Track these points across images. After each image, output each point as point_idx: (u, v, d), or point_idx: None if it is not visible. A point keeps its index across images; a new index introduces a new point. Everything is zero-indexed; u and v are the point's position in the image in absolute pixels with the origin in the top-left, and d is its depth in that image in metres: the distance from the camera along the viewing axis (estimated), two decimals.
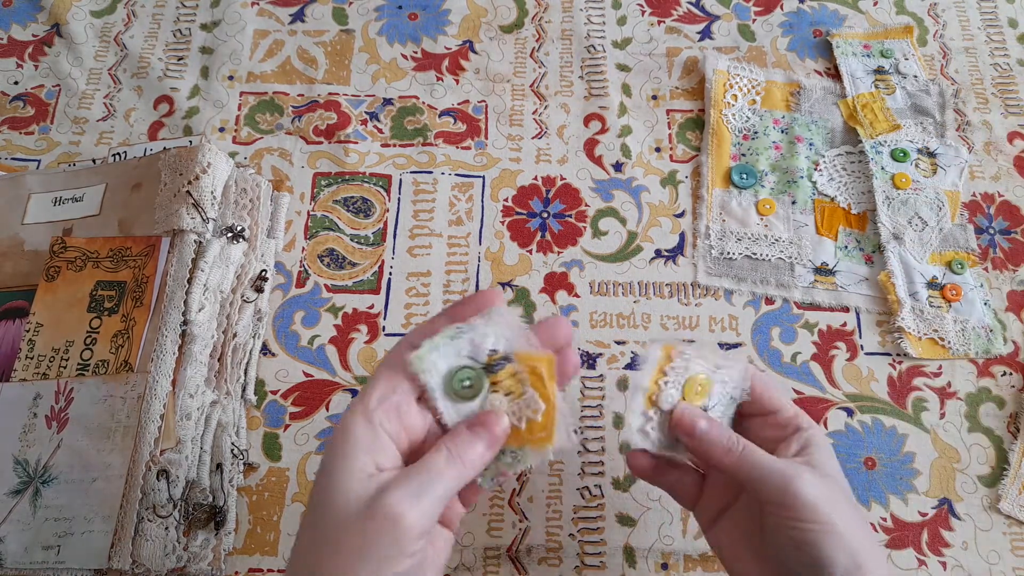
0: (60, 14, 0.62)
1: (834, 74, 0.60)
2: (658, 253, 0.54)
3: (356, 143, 0.57)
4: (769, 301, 0.52)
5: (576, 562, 0.45)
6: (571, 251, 0.54)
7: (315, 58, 0.61)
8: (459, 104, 0.59)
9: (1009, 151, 0.57)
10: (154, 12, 0.63)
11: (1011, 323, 0.51)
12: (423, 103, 0.59)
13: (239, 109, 0.58)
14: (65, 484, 0.43)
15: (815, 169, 0.56)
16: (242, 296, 0.49)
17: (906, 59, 0.60)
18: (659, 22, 0.62)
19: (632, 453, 0.36)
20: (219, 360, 0.47)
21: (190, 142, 0.56)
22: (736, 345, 0.50)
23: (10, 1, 0.63)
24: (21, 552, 0.42)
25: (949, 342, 0.50)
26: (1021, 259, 0.53)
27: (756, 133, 0.57)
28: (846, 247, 0.53)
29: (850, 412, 0.49)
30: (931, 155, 0.56)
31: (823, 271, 0.52)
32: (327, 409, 0.49)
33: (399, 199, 0.55)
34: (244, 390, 0.48)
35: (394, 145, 0.57)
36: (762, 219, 0.54)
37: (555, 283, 0.52)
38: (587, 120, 0.58)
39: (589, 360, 0.50)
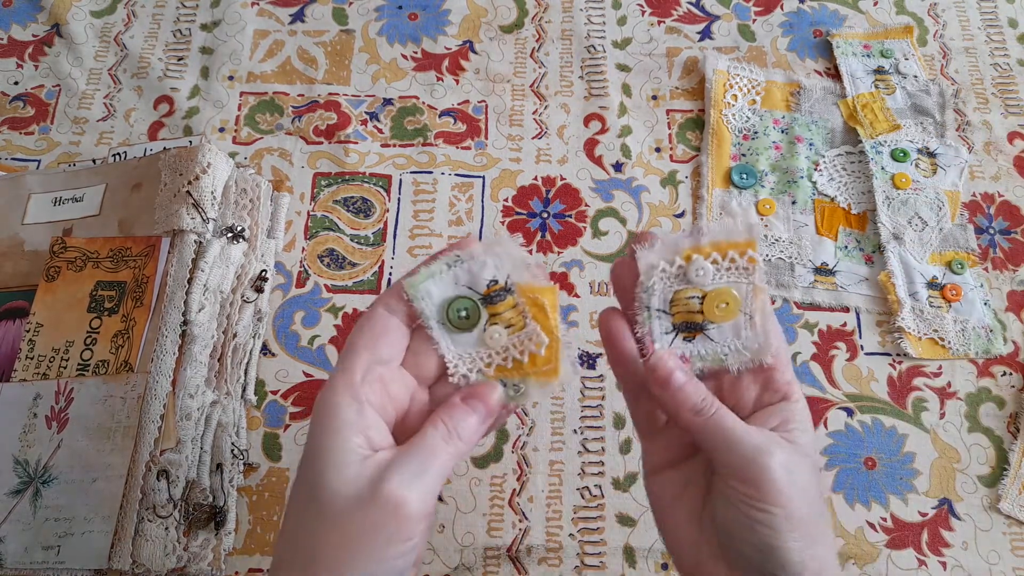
0: (60, 14, 0.62)
1: (834, 74, 0.60)
2: None
3: (356, 143, 0.57)
4: (770, 301, 0.52)
5: (576, 562, 0.45)
6: (571, 251, 0.54)
7: (315, 58, 0.61)
8: (459, 104, 0.59)
9: (1009, 151, 0.57)
10: (154, 12, 0.63)
11: (1011, 323, 0.51)
12: (423, 103, 0.59)
13: (239, 109, 0.58)
14: (65, 484, 0.43)
15: (815, 169, 0.56)
16: (242, 296, 0.49)
17: (906, 59, 0.60)
18: (659, 22, 0.62)
19: (614, 322, 0.32)
20: (219, 360, 0.47)
21: (190, 142, 0.56)
22: None
23: (10, 1, 0.63)
24: (21, 552, 0.42)
25: (949, 342, 0.50)
26: (1021, 259, 0.53)
27: (756, 133, 0.57)
28: (846, 247, 0.53)
29: (850, 412, 0.49)
30: (931, 155, 0.56)
31: (823, 271, 0.52)
32: None
33: (399, 199, 0.55)
34: (244, 390, 0.48)
35: (394, 145, 0.57)
36: (762, 219, 0.54)
37: (556, 284, 0.52)
38: (587, 120, 0.58)
39: (589, 360, 0.50)
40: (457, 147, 0.57)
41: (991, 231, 0.54)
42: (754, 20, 0.62)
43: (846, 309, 0.52)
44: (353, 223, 0.54)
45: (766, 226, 0.54)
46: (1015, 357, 0.50)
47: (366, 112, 0.58)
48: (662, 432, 0.33)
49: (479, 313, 0.30)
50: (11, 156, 0.57)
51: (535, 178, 0.56)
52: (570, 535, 0.45)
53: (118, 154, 0.56)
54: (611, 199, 0.55)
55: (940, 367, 0.50)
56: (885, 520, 0.46)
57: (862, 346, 0.51)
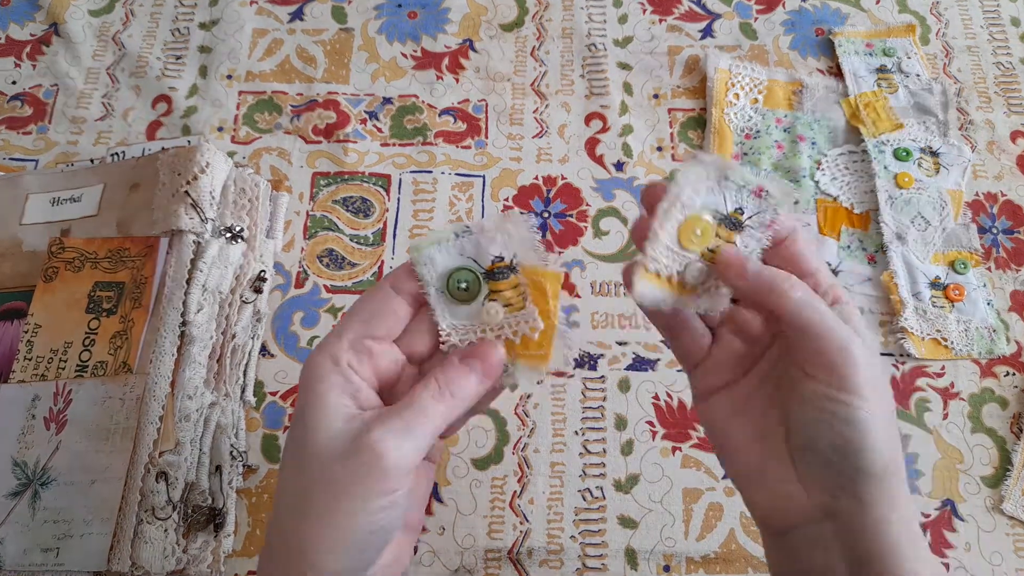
0: (58, 13, 0.62)
1: (836, 73, 0.59)
2: None
3: (355, 142, 0.57)
4: None
5: (577, 564, 0.45)
6: (572, 251, 0.53)
7: (314, 57, 0.60)
8: (459, 103, 0.59)
9: (1012, 150, 0.57)
10: (152, 11, 0.62)
11: (1014, 323, 0.51)
12: (423, 102, 0.59)
13: (238, 108, 0.58)
14: (64, 486, 0.43)
15: (817, 168, 0.55)
16: (241, 297, 0.49)
17: (908, 58, 0.60)
18: (660, 20, 0.62)
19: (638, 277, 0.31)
20: (218, 361, 0.47)
21: (188, 142, 0.55)
22: None
23: (8, 0, 0.63)
24: (20, 554, 0.42)
25: (952, 342, 0.50)
26: None
27: (758, 132, 0.57)
28: (849, 247, 0.53)
29: None
30: (934, 154, 0.55)
31: None
32: None
33: (399, 199, 0.55)
34: (243, 391, 0.48)
35: (394, 144, 0.57)
36: None
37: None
38: (588, 119, 0.58)
39: (590, 361, 0.50)
40: (457, 146, 0.57)
41: (994, 231, 0.54)
42: (756, 18, 0.62)
43: None
44: (352, 223, 0.54)
45: None
46: (1018, 357, 0.50)
47: (365, 111, 0.58)
48: (709, 356, 0.32)
49: (479, 287, 0.30)
50: (9, 156, 0.57)
51: (536, 177, 0.56)
52: (571, 537, 0.45)
53: (116, 154, 0.55)
54: (612, 198, 0.55)
55: (943, 367, 0.50)
56: None
57: None
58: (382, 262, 0.53)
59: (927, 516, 0.46)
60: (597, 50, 0.60)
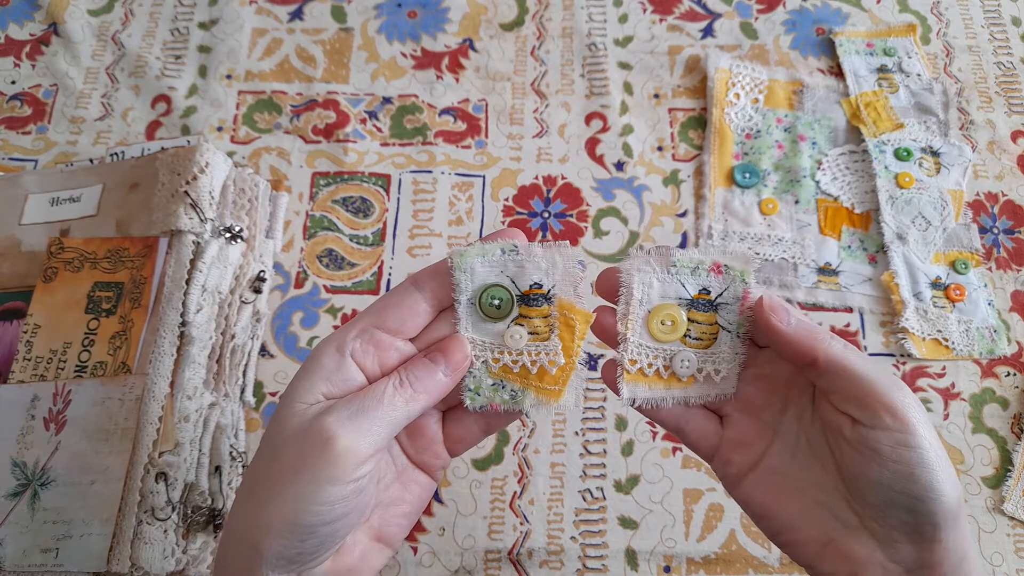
0: (57, 13, 0.62)
1: (837, 72, 0.59)
2: None
3: (355, 142, 0.57)
4: None
5: (578, 565, 0.45)
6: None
7: (314, 56, 0.60)
8: (459, 103, 0.58)
9: (1013, 150, 0.57)
10: (152, 11, 0.62)
11: (1015, 323, 0.51)
12: (423, 102, 0.58)
13: (237, 108, 0.58)
14: (63, 487, 0.43)
15: (818, 168, 0.55)
16: (240, 297, 0.49)
17: (909, 57, 0.59)
18: (661, 20, 0.62)
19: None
20: (217, 362, 0.47)
21: (188, 142, 0.55)
22: None
23: (7, 0, 0.63)
24: (19, 555, 0.42)
25: (953, 343, 0.50)
26: None
27: (759, 132, 0.57)
28: (849, 247, 0.53)
29: None
30: (935, 154, 0.55)
31: (826, 271, 0.52)
32: None
33: (398, 199, 0.55)
34: (243, 392, 0.48)
35: (393, 144, 0.57)
36: (765, 219, 0.54)
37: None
38: (588, 119, 0.58)
39: (591, 361, 0.50)
40: (457, 146, 0.57)
41: (995, 231, 0.54)
42: (756, 18, 0.62)
43: (849, 309, 0.51)
44: (352, 223, 0.54)
45: (769, 226, 0.53)
46: (1019, 358, 0.50)
47: (365, 111, 0.58)
48: (724, 441, 0.31)
49: (511, 308, 0.30)
50: (8, 156, 0.57)
51: (536, 177, 0.56)
52: (572, 538, 0.45)
53: (115, 154, 0.55)
54: (613, 198, 0.55)
55: (944, 368, 0.50)
56: None
57: (866, 347, 0.50)
58: (382, 262, 0.53)
59: None
60: (597, 50, 0.60)
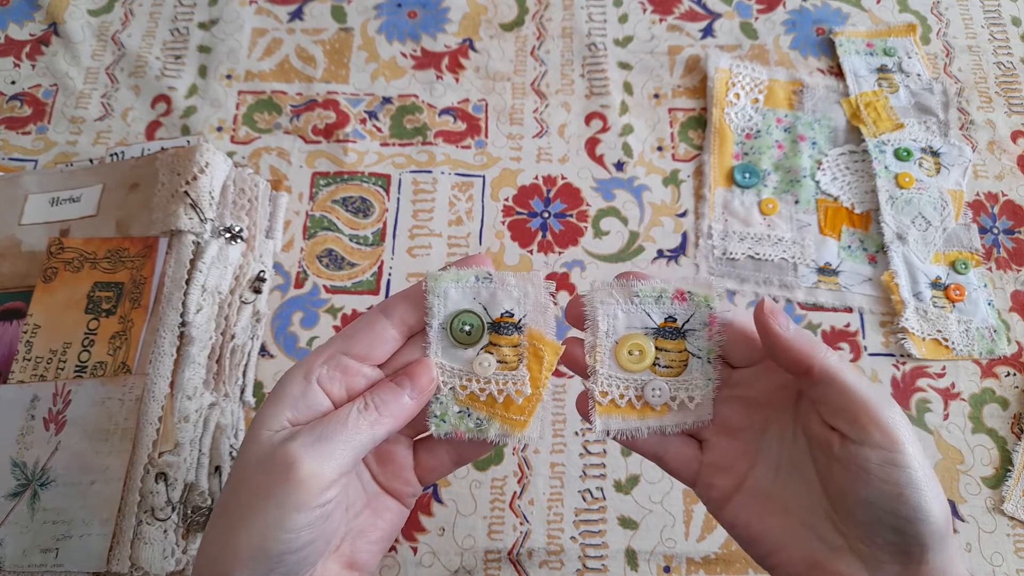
0: (57, 13, 0.62)
1: (837, 72, 0.59)
2: (660, 253, 0.53)
3: (355, 142, 0.57)
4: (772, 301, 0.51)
5: (578, 565, 0.45)
6: (572, 251, 0.53)
7: (313, 56, 0.60)
8: (459, 103, 0.58)
9: (1013, 150, 0.57)
10: (152, 11, 0.62)
11: (1015, 323, 0.51)
12: (423, 102, 0.58)
13: (237, 108, 0.58)
14: (63, 487, 0.43)
15: (818, 168, 0.55)
16: (240, 297, 0.49)
17: (909, 57, 0.59)
18: (661, 20, 0.62)
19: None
20: (217, 362, 0.47)
21: (188, 142, 0.55)
22: None
23: (7, 0, 0.63)
24: (19, 555, 0.42)
25: (953, 343, 0.50)
26: None
27: (759, 132, 0.57)
28: (849, 247, 0.53)
29: None
30: (935, 154, 0.55)
31: (826, 271, 0.52)
32: None
33: (398, 199, 0.55)
34: (242, 392, 0.48)
35: (393, 144, 0.57)
36: (765, 219, 0.54)
37: (556, 283, 0.52)
38: (588, 119, 0.58)
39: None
40: (457, 146, 0.57)
41: (995, 231, 0.54)
42: (756, 18, 0.62)
43: (849, 310, 0.51)
44: (352, 223, 0.54)
45: (769, 226, 0.53)
46: (1019, 358, 0.50)
47: (365, 111, 0.58)
48: (704, 465, 0.31)
49: (481, 335, 0.30)
50: (8, 156, 0.57)
51: (536, 177, 0.56)
52: (571, 538, 0.45)
53: (115, 154, 0.55)
54: (612, 198, 0.55)
55: (944, 368, 0.50)
56: None
57: (865, 347, 0.50)
58: (381, 262, 0.53)
59: None
60: (597, 50, 0.60)
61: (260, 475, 0.26)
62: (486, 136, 0.57)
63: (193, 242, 0.48)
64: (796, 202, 0.54)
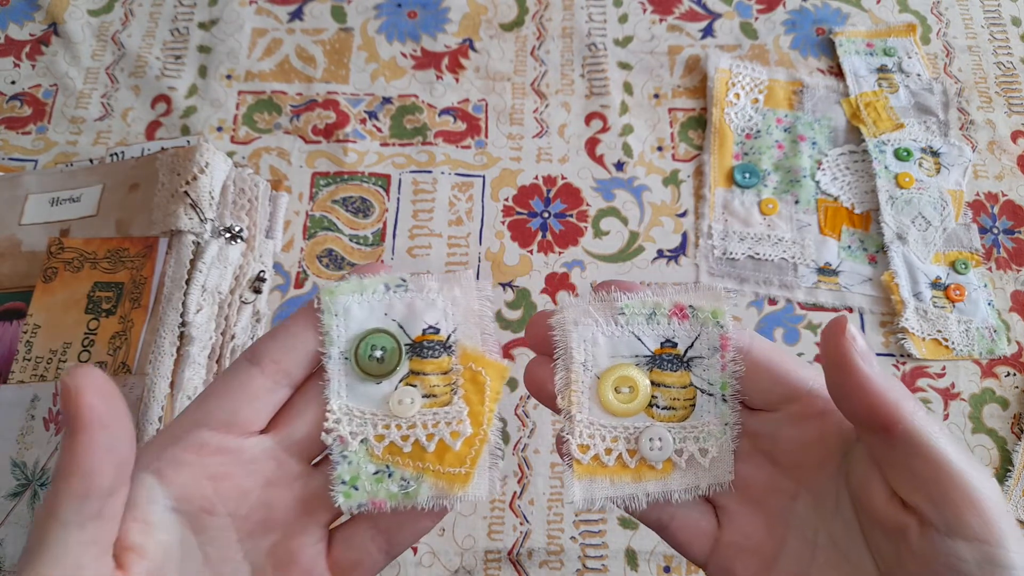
0: (57, 13, 0.62)
1: (837, 72, 0.59)
2: (660, 253, 0.53)
3: (355, 142, 0.57)
4: (772, 302, 0.52)
5: (578, 565, 0.45)
6: (572, 251, 0.53)
7: (313, 57, 0.60)
8: (459, 103, 0.58)
9: (1013, 150, 0.57)
10: (152, 11, 0.62)
11: (1015, 323, 0.51)
12: (422, 102, 0.58)
13: (237, 108, 0.58)
14: None
15: (818, 168, 0.55)
16: (240, 297, 0.49)
17: (909, 57, 0.59)
18: (661, 20, 0.62)
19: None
20: (217, 362, 0.47)
21: (188, 142, 0.55)
22: None
23: (7, 0, 0.63)
24: (19, 555, 0.42)
25: (953, 343, 0.50)
26: None
27: (759, 132, 0.57)
28: (849, 247, 0.53)
29: None
30: (935, 154, 0.55)
31: (826, 271, 0.52)
32: None
33: (398, 199, 0.55)
34: None
35: (393, 144, 0.57)
36: (765, 219, 0.54)
37: (556, 284, 0.52)
38: (588, 119, 0.58)
39: None
40: (457, 146, 0.57)
41: (995, 231, 0.54)
42: (756, 18, 0.62)
43: (849, 310, 0.51)
44: (352, 223, 0.54)
45: (769, 226, 0.53)
46: (1019, 358, 0.50)
47: (365, 111, 0.58)
48: (721, 542, 0.24)
49: (398, 362, 0.22)
50: (8, 156, 0.57)
51: (536, 177, 0.56)
52: (572, 538, 0.45)
53: (115, 154, 0.55)
54: (612, 198, 0.55)
55: (944, 368, 0.50)
56: None
57: None
58: (381, 262, 0.53)
59: None
60: (597, 50, 0.60)
61: None
62: (486, 136, 0.57)
63: (193, 242, 0.48)
64: (796, 202, 0.54)
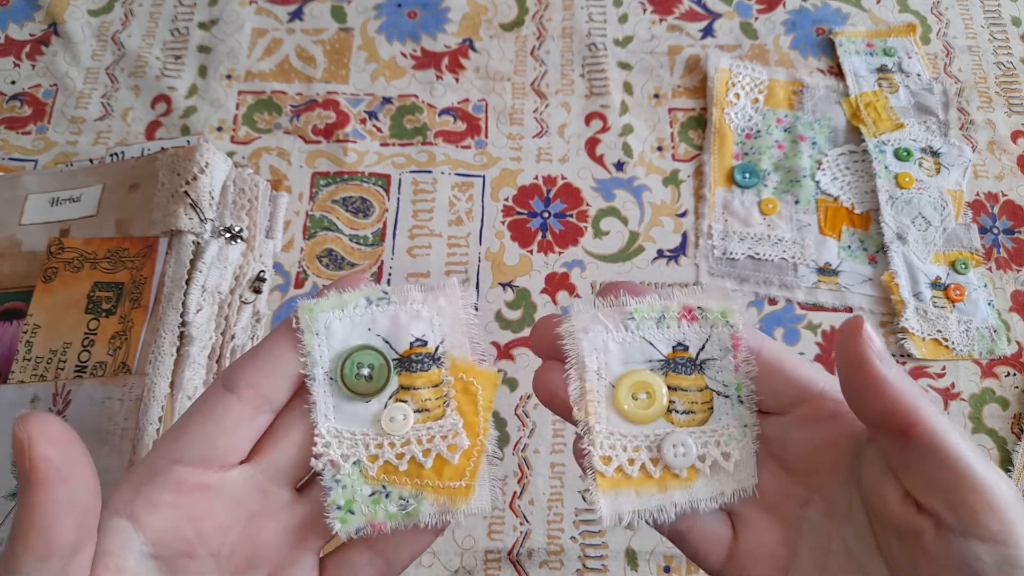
0: (57, 13, 0.62)
1: (837, 72, 0.59)
2: (660, 253, 0.53)
3: (355, 142, 0.57)
4: (772, 302, 0.52)
5: (578, 565, 0.45)
6: (572, 251, 0.53)
7: (313, 57, 0.60)
8: (459, 103, 0.58)
9: (1013, 150, 0.57)
10: (152, 11, 0.62)
11: (1015, 323, 0.51)
12: (422, 102, 0.58)
13: (237, 108, 0.58)
14: None
15: (818, 168, 0.55)
16: (240, 297, 0.49)
17: (909, 57, 0.59)
18: (661, 20, 0.62)
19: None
20: (217, 362, 0.47)
21: (188, 142, 0.55)
22: None
23: (7, 0, 0.63)
24: None
25: (953, 343, 0.50)
26: None
27: (759, 132, 0.57)
28: (849, 247, 0.53)
29: None
30: (935, 154, 0.55)
31: (826, 271, 0.52)
32: None
33: (398, 199, 0.55)
34: None
35: (393, 144, 0.57)
36: (765, 219, 0.54)
37: (556, 284, 0.52)
38: (588, 119, 0.58)
39: None
40: (457, 146, 0.57)
41: (995, 231, 0.54)
42: (756, 18, 0.62)
43: (849, 310, 0.51)
44: (352, 223, 0.54)
45: (769, 226, 0.53)
46: (1019, 358, 0.50)
47: (365, 111, 0.58)
48: (736, 552, 0.24)
49: (386, 378, 0.22)
50: (8, 156, 0.57)
51: (536, 177, 0.56)
52: (572, 538, 0.45)
53: (115, 154, 0.55)
54: (612, 198, 0.55)
55: (944, 368, 0.50)
56: None
57: None
58: (381, 262, 0.53)
59: None
60: (597, 50, 0.60)
61: None
62: (486, 136, 0.57)
63: (193, 242, 0.48)
64: (796, 202, 0.54)
